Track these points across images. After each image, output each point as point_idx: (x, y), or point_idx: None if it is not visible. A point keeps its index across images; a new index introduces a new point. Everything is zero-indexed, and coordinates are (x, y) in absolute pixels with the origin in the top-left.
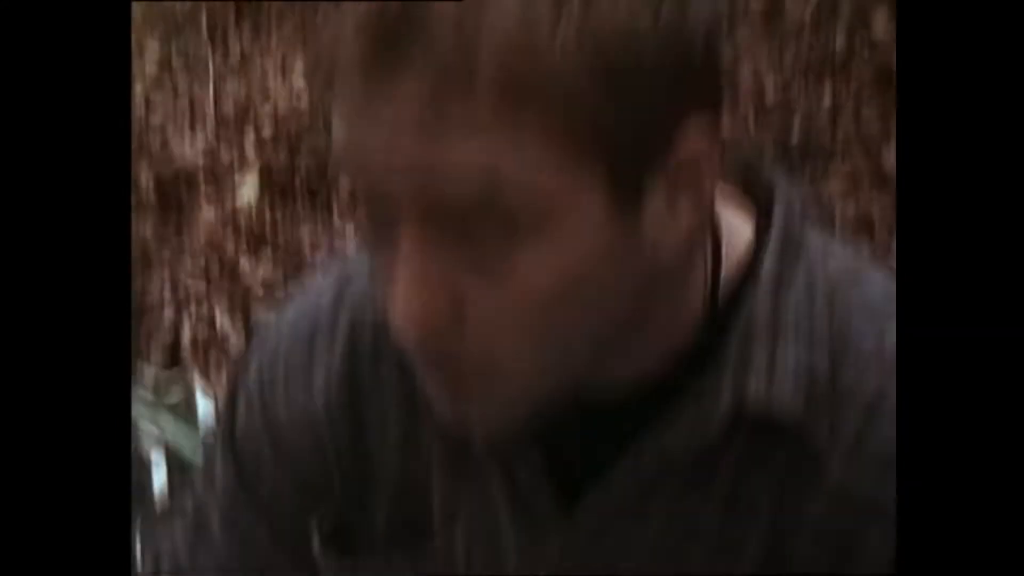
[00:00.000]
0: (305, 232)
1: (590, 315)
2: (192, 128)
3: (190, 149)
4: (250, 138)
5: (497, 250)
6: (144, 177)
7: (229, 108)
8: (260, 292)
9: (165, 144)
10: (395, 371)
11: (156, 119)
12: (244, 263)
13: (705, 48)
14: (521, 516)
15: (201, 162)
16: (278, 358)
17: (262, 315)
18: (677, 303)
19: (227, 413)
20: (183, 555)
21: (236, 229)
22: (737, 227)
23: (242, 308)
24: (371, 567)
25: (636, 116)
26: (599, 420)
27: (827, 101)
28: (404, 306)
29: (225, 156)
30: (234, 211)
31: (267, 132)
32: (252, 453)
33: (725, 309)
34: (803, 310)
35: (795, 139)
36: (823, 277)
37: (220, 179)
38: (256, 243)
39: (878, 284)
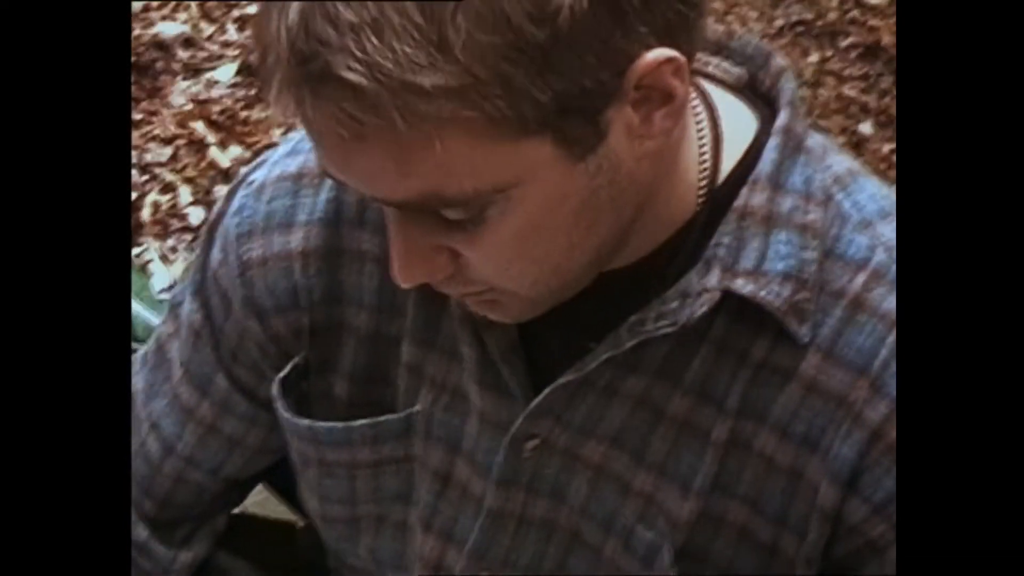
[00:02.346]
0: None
1: (577, 233)
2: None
3: (171, 20)
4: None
5: (468, 218)
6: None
7: None
8: (225, 168)
9: (147, 9)
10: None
11: None
12: (212, 139)
13: None
14: (489, 387)
15: (182, 34)
16: (261, 199)
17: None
18: (672, 194)
19: (202, 252)
20: (139, 397)
21: (208, 104)
22: (742, 117)
23: (207, 183)
24: (331, 433)
25: (569, 83)
26: (580, 303)
27: (813, 60)
28: (399, 272)
29: (206, 31)
30: (208, 87)
31: (253, 9)
32: (221, 294)
33: (723, 197)
34: (799, 204)
35: None
36: (821, 176)
37: (198, 54)
38: (228, 123)
39: (875, 192)
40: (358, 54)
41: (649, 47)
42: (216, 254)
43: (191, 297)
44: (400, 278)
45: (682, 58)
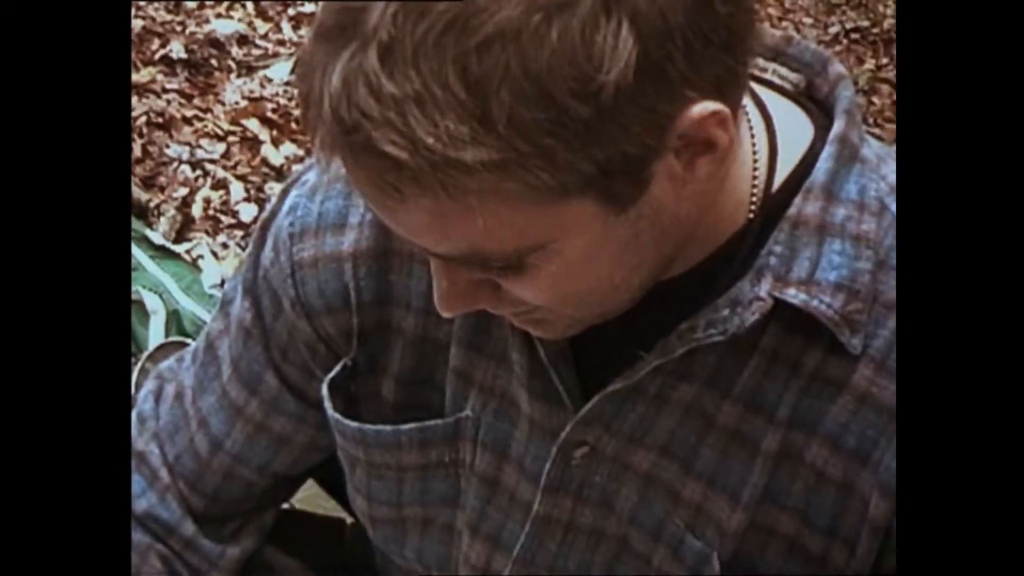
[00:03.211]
0: None
1: (619, 272)
2: None
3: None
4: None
5: (509, 266)
6: (177, 39)
7: None
8: (277, 165)
9: (203, 6)
10: None
11: None
12: (265, 136)
13: (684, 54)
14: (538, 394)
15: (236, 32)
16: (314, 199)
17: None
18: (724, 206)
19: (253, 250)
20: (187, 393)
21: (261, 102)
22: (798, 124)
23: (259, 180)
24: (379, 436)
25: (613, 152)
26: (630, 311)
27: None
28: (441, 306)
29: (261, 29)
30: (262, 85)
31: (308, 7)
32: (271, 293)
33: (777, 205)
34: (853, 214)
35: None
36: (876, 185)
37: (252, 51)
38: (281, 120)
39: None
40: (400, 128)
41: (693, 103)
42: (268, 253)
43: (242, 295)
44: (442, 311)
45: (726, 110)
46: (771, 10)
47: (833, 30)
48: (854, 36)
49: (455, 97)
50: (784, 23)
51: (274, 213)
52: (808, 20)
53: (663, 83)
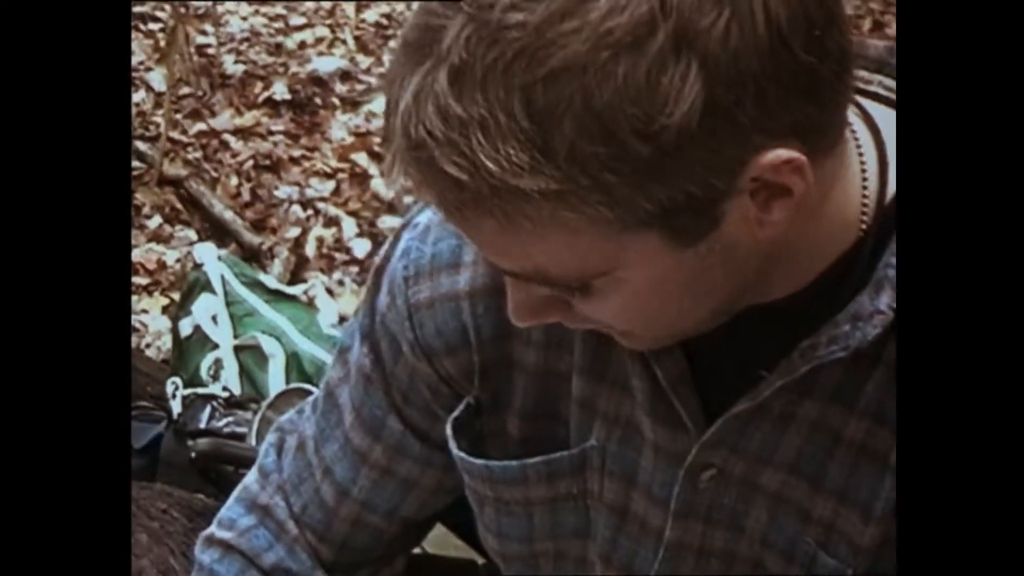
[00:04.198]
0: None
1: (690, 300)
2: (333, 33)
3: (328, 56)
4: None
5: (576, 288)
6: (280, 80)
7: (372, 17)
8: (388, 199)
9: (303, 46)
10: None
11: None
12: (374, 170)
13: (756, 100)
14: (661, 419)
15: (339, 68)
16: (427, 240)
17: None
18: (828, 226)
19: (369, 296)
20: (310, 443)
21: (368, 136)
22: None
23: (370, 215)
24: (506, 472)
25: (675, 191)
26: (750, 329)
27: None
28: (513, 316)
29: (363, 64)
30: (368, 119)
31: None
32: (390, 338)
33: (891, 219)
34: None
35: None
36: None
37: (356, 87)
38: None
39: None
40: (463, 150)
41: (767, 149)
42: (384, 298)
43: (360, 341)
44: (515, 321)
45: (802, 158)
46: (873, 4)
47: None
48: None
49: (518, 125)
50: (887, 15)
51: (387, 258)
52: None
53: (731, 128)
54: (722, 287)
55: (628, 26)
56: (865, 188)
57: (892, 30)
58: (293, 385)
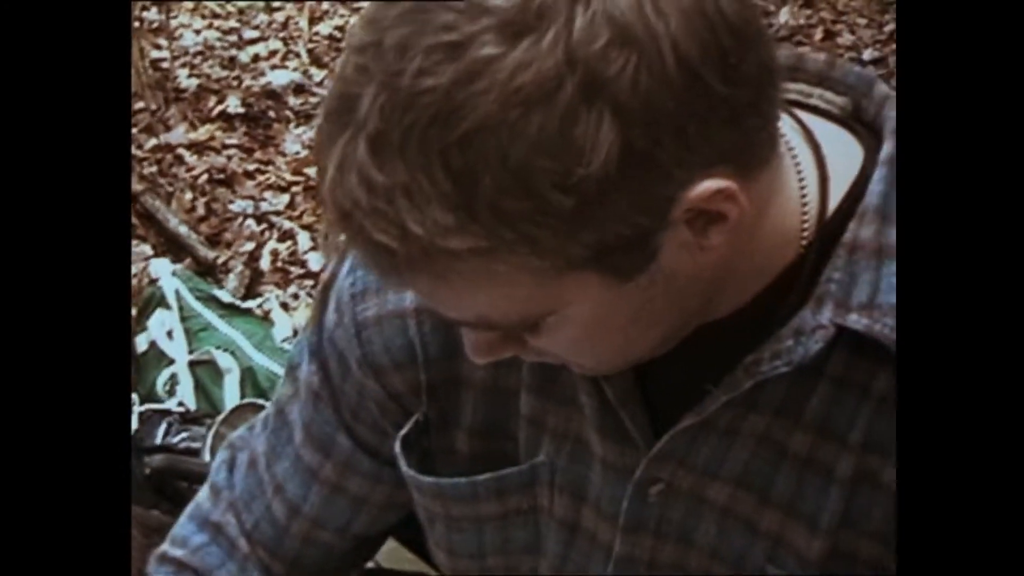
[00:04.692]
0: None
1: (635, 330)
2: (286, 46)
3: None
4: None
5: (524, 328)
6: (234, 94)
7: (326, 30)
8: None
9: (257, 59)
10: None
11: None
12: None
13: (675, 139)
14: (609, 434)
15: (292, 82)
16: None
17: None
18: (768, 243)
19: (317, 312)
20: (261, 460)
21: None
22: (847, 148)
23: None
24: (456, 488)
25: (603, 234)
26: (697, 345)
27: None
28: (471, 355)
29: (317, 77)
30: None
31: None
32: (338, 355)
33: (833, 231)
34: None
35: None
36: None
37: (310, 99)
38: None
39: None
40: (390, 217)
41: (695, 180)
42: (331, 315)
43: (308, 359)
44: (474, 358)
45: (732, 186)
46: (824, 13)
47: (888, 28)
48: None
49: (440, 188)
50: (838, 25)
51: (334, 275)
52: (862, 20)
53: (652, 169)
54: (668, 315)
55: (536, 82)
56: (805, 202)
57: (843, 39)
58: (246, 400)
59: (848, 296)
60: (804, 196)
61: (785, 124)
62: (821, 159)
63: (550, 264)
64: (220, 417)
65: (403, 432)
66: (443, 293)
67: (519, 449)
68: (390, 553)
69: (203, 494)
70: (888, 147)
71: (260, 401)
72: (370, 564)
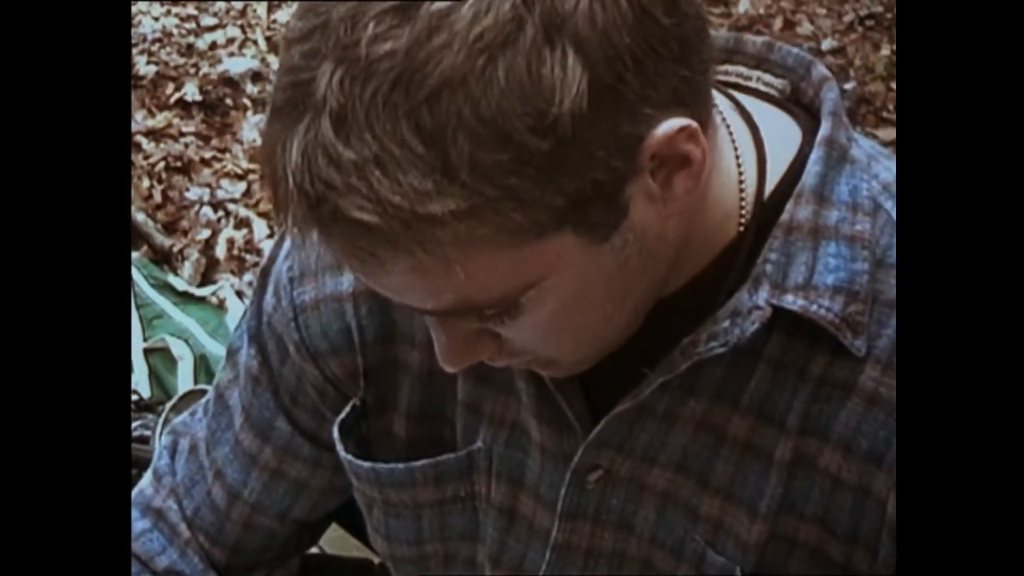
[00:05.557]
0: None
1: (612, 303)
2: (244, 34)
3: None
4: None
5: (503, 311)
6: (191, 81)
7: (284, 17)
8: None
9: (214, 46)
10: None
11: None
12: None
13: (636, 73)
14: (547, 420)
15: (250, 69)
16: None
17: None
18: (710, 219)
19: (256, 296)
20: (201, 445)
21: None
22: (785, 130)
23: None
24: (393, 474)
25: (581, 181)
26: (635, 330)
27: (885, 54)
28: (444, 361)
29: (275, 64)
30: None
31: None
32: (276, 339)
33: (770, 212)
34: (846, 216)
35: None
36: (868, 184)
37: (267, 87)
38: None
39: None
40: (366, 193)
41: (657, 120)
42: (269, 299)
43: (248, 343)
44: (445, 366)
45: (694, 124)
46: (784, 3)
47: (847, 18)
48: (869, 23)
49: (413, 152)
50: (798, 15)
51: (272, 259)
52: (821, 10)
53: (620, 105)
54: (639, 282)
55: (496, 27)
56: (742, 181)
57: (803, 29)
58: (196, 387)
59: (784, 277)
60: (742, 176)
61: (723, 104)
62: (759, 140)
63: (531, 222)
64: (169, 404)
65: (341, 417)
66: (423, 278)
67: (456, 435)
68: (336, 540)
69: (146, 480)
70: (825, 128)
71: (208, 388)
72: (314, 549)
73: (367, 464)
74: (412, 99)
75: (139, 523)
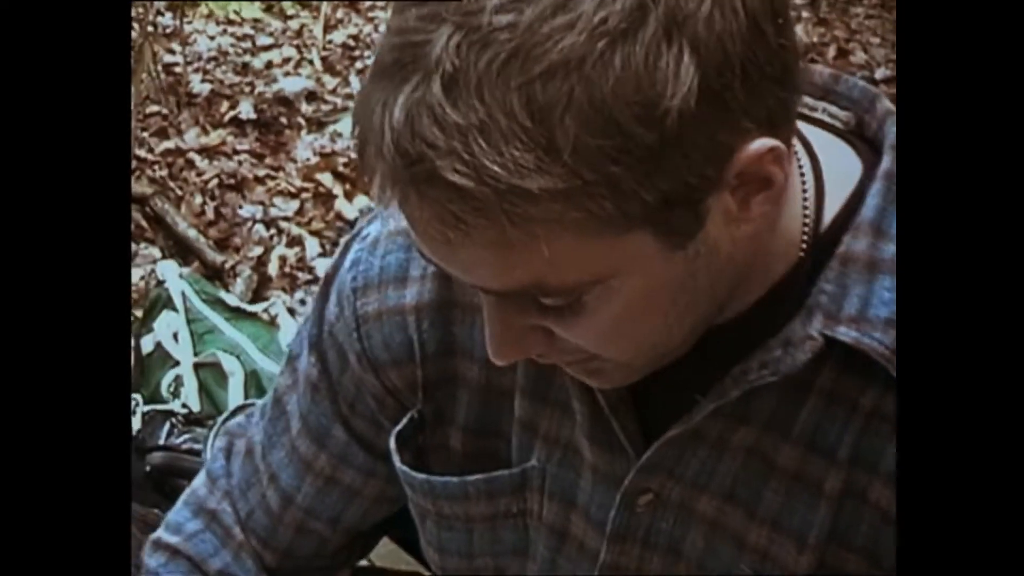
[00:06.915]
0: None
1: (675, 314)
2: (300, 53)
3: (295, 76)
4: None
5: (566, 304)
6: (246, 99)
7: (340, 38)
8: (352, 219)
9: (270, 65)
10: None
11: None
12: (338, 190)
13: (742, 83)
14: (600, 442)
15: (305, 89)
16: (376, 252)
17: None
18: (774, 248)
19: (318, 305)
20: (257, 449)
21: (333, 156)
22: (846, 162)
23: (333, 235)
24: (447, 487)
25: (675, 181)
26: (691, 353)
27: None
28: (494, 352)
29: (329, 84)
30: (333, 140)
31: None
32: (337, 348)
33: (827, 244)
34: None
35: None
36: None
37: (322, 107)
38: (353, 174)
39: None
40: (465, 157)
41: (751, 137)
42: (332, 308)
43: (308, 351)
44: (495, 357)
45: (783, 146)
46: (838, 31)
47: None
48: None
49: (520, 125)
50: (851, 43)
51: (336, 268)
52: (875, 40)
53: (723, 112)
54: (702, 298)
55: (621, 14)
56: (806, 212)
57: (856, 58)
58: (249, 401)
59: (838, 308)
60: (805, 204)
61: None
62: (818, 170)
63: (620, 213)
64: (222, 418)
65: (398, 428)
66: (504, 252)
67: (511, 451)
68: (388, 555)
69: (199, 481)
70: (887, 162)
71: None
72: (363, 563)
73: (422, 476)
74: (526, 73)
75: (191, 524)
